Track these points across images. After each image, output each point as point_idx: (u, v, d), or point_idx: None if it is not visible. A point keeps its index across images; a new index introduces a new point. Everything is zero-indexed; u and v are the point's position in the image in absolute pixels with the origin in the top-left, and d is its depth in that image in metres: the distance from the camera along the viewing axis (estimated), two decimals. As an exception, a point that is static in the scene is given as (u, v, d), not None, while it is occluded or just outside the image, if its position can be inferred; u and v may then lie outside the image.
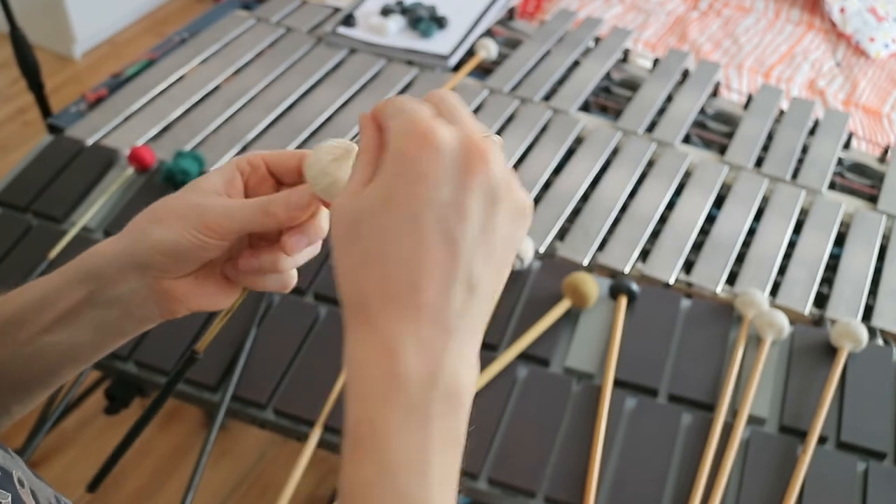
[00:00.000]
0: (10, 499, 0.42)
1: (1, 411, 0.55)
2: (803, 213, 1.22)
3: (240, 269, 0.51)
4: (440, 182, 0.38)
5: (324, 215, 0.50)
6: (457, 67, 1.46)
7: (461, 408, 0.42)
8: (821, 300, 1.10)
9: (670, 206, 1.22)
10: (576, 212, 1.20)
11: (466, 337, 0.40)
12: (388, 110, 0.41)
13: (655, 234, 1.17)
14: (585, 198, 1.22)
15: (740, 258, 1.14)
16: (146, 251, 0.48)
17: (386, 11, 1.53)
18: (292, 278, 0.52)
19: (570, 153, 1.30)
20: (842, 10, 2.14)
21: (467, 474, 0.88)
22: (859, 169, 1.34)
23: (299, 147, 1.28)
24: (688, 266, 1.13)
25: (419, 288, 0.39)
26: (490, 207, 0.39)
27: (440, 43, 1.48)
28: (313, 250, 0.51)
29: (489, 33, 1.56)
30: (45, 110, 1.77)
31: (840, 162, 1.34)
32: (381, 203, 0.39)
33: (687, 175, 1.27)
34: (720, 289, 1.09)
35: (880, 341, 1.05)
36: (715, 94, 1.47)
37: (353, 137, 0.51)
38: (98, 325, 0.51)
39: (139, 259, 0.49)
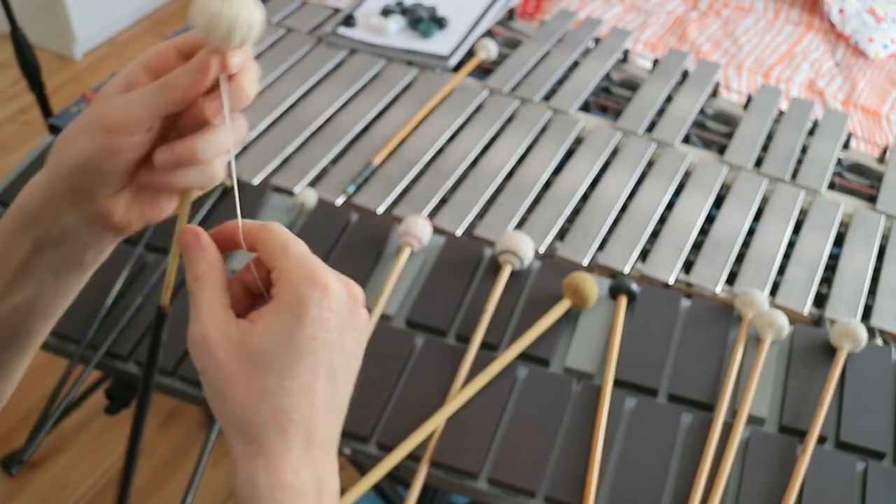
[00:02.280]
0: None
1: None
2: (803, 213, 1.22)
3: (155, 165, 0.46)
4: (333, 327, 0.44)
5: (242, 79, 0.46)
6: (457, 68, 1.47)
7: (336, 500, 0.46)
8: (820, 300, 1.10)
9: (670, 206, 1.22)
10: (576, 212, 1.20)
11: (336, 448, 0.47)
12: (273, 248, 0.45)
13: (655, 234, 1.17)
14: (585, 198, 1.22)
15: (740, 258, 1.14)
16: (65, 177, 0.46)
17: (386, 12, 1.53)
18: (216, 170, 0.48)
19: (570, 153, 1.30)
20: (841, 11, 2.14)
21: (467, 474, 0.88)
22: (858, 169, 1.34)
23: (299, 149, 1.28)
24: (688, 266, 1.13)
25: (312, 421, 0.44)
26: (358, 342, 0.46)
27: (440, 43, 1.48)
28: (235, 132, 0.48)
29: (489, 33, 1.56)
30: (46, 110, 1.77)
31: (839, 162, 1.34)
32: (282, 344, 0.43)
33: (687, 175, 1.27)
34: (720, 289, 1.10)
35: (880, 341, 1.05)
36: (714, 94, 1.47)
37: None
38: (56, 270, 0.49)
39: (65, 188, 0.46)
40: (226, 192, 1.15)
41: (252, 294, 0.48)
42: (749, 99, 1.44)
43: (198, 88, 0.45)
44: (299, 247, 0.45)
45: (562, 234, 1.17)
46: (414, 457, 0.88)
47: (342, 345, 0.45)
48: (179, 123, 0.48)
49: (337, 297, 0.44)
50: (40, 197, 0.47)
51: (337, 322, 0.44)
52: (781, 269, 1.13)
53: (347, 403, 0.47)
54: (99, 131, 0.45)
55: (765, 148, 1.35)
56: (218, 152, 0.47)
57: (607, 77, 1.49)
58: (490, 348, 0.99)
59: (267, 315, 0.43)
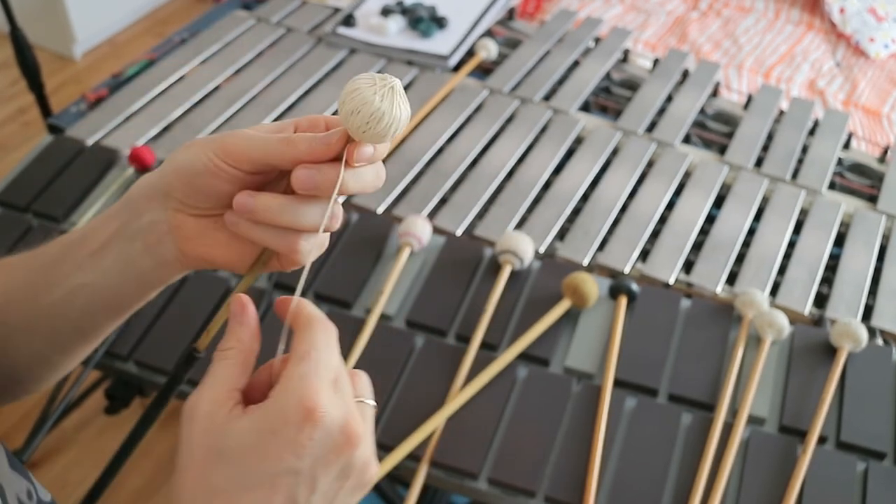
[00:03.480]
0: None
1: (43, 363, 0.56)
2: (803, 213, 1.22)
3: (235, 205, 0.46)
4: (307, 454, 0.41)
5: (351, 175, 0.45)
6: (457, 67, 1.46)
7: None
8: (821, 300, 1.10)
9: (670, 206, 1.22)
10: (576, 212, 1.20)
11: None
12: (297, 347, 0.43)
13: (655, 234, 1.17)
14: (585, 198, 1.22)
15: (740, 258, 1.14)
16: (168, 176, 0.48)
17: (386, 11, 1.53)
18: (294, 244, 0.47)
19: (570, 153, 1.30)
20: (841, 11, 2.14)
21: (467, 474, 0.88)
22: (859, 169, 1.34)
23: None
24: (688, 266, 1.13)
25: None
26: (338, 482, 0.43)
27: (440, 43, 1.48)
28: (326, 219, 0.47)
29: (489, 33, 1.56)
30: (46, 110, 1.77)
31: (840, 162, 1.34)
32: (249, 450, 0.40)
33: (687, 175, 1.27)
34: (720, 289, 1.10)
35: (880, 341, 1.05)
36: (715, 94, 1.47)
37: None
38: (121, 267, 0.50)
39: (162, 186, 0.48)
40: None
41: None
42: (749, 99, 1.44)
43: (313, 157, 0.45)
44: (318, 360, 0.42)
45: (562, 234, 1.17)
46: (414, 457, 0.88)
47: (314, 480, 0.41)
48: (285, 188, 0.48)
49: (325, 428, 0.40)
50: (144, 185, 0.49)
51: (314, 453, 0.41)
52: (782, 269, 1.13)
53: None
54: (213, 149, 0.46)
55: (765, 148, 1.35)
56: (297, 223, 0.46)
57: (607, 77, 1.49)
58: (490, 348, 0.99)
59: (251, 413, 0.41)
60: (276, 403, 0.41)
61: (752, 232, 1.18)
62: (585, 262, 1.12)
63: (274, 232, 0.47)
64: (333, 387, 0.42)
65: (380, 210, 1.16)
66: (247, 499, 0.40)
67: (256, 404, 0.42)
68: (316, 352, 0.42)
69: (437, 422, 0.89)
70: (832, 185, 1.29)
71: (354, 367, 0.92)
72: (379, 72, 0.49)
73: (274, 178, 0.49)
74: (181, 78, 1.40)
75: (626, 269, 1.11)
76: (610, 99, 1.45)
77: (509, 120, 1.36)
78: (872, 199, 1.26)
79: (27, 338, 0.54)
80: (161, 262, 0.51)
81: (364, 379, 0.47)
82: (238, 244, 0.49)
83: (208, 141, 0.47)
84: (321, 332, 0.43)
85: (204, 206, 0.48)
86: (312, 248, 0.48)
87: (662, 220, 1.20)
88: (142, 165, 1.17)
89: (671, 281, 1.10)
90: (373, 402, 0.46)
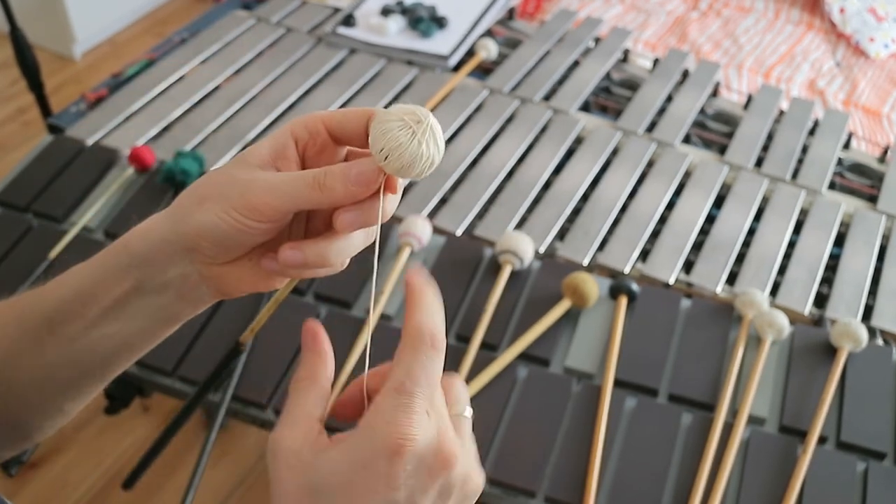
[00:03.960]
0: None
1: (55, 413, 0.52)
2: (803, 213, 1.22)
3: (280, 263, 0.44)
4: (402, 485, 0.39)
5: (389, 199, 0.44)
6: (457, 67, 1.46)
7: None
8: (821, 300, 1.10)
9: (670, 206, 1.22)
10: (576, 212, 1.20)
11: None
12: (396, 369, 0.41)
13: (655, 234, 1.17)
14: (585, 198, 1.22)
15: (740, 258, 1.14)
16: (190, 236, 0.44)
17: (386, 11, 1.53)
18: (342, 265, 0.47)
19: (570, 153, 1.30)
20: (841, 11, 2.14)
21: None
22: (859, 169, 1.34)
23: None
24: (688, 266, 1.13)
25: None
26: (440, 501, 0.41)
27: (440, 43, 1.48)
28: (367, 238, 0.46)
29: (489, 33, 1.56)
30: (45, 110, 1.77)
31: (840, 162, 1.34)
32: (343, 484, 0.39)
33: (687, 175, 1.27)
34: (720, 289, 1.10)
35: (880, 341, 1.05)
36: (715, 94, 1.47)
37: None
38: (150, 313, 0.47)
39: (184, 244, 0.45)
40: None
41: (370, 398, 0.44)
42: (749, 99, 1.44)
43: (354, 200, 0.43)
44: (413, 391, 0.40)
45: (562, 234, 1.17)
46: (414, 457, 0.88)
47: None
48: (311, 215, 0.47)
49: (416, 457, 0.39)
50: (155, 242, 0.45)
51: (409, 483, 0.39)
52: (782, 269, 1.13)
53: None
54: (235, 207, 0.43)
55: (765, 148, 1.35)
56: (348, 256, 0.46)
57: (607, 77, 1.49)
58: (490, 348, 0.99)
59: (339, 445, 0.40)
60: (366, 435, 0.40)
61: (752, 232, 1.18)
62: (585, 262, 1.12)
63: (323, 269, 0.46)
64: (426, 410, 0.41)
65: (380, 210, 1.16)
66: None
67: (345, 434, 0.40)
68: (411, 382, 0.41)
69: (437, 422, 0.89)
70: (832, 185, 1.29)
71: (354, 368, 0.92)
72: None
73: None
74: (181, 78, 1.40)
75: (626, 269, 1.11)
76: (610, 99, 1.45)
77: (509, 120, 1.36)
78: (872, 199, 1.26)
79: (33, 392, 0.50)
80: (196, 303, 0.48)
81: (459, 388, 0.45)
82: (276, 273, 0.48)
83: (227, 196, 0.43)
84: (423, 355, 0.42)
85: (236, 256, 0.46)
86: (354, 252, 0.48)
87: (662, 220, 1.20)
88: (142, 165, 1.17)
89: (671, 281, 1.10)
90: (470, 413, 0.45)
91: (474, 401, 0.93)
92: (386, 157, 0.41)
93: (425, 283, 0.44)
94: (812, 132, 1.39)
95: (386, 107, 0.43)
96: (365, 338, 0.97)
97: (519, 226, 1.17)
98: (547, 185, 1.24)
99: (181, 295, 0.47)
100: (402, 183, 0.45)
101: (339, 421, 0.44)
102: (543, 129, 1.34)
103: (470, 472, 0.42)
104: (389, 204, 0.45)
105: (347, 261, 0.47)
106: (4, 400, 0.49)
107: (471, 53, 1.49)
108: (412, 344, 0.42)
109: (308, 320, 0.45)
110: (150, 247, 0.45)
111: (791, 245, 1.17)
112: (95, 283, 0.46)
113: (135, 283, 0.46)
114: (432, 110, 1.35)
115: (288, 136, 0.45)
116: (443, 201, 1.21)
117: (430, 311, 0.44)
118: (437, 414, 0.41)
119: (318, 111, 0.46)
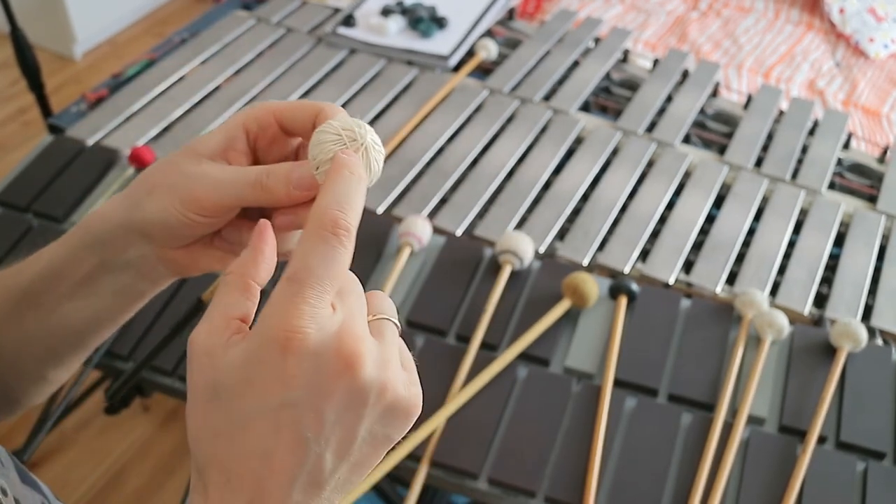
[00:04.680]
0: None
1: (38, 380, 0.55)
2: (803, 213, 1.22)
3: (225, 241, 0.48)
4: (297, 385, 0.36)
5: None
6: (457, 67, 1.46)
7: None
8: (820, 300, 1.10)
9: (670, 206, 1.22)
10: (576, 212, 1.20)
11: None
12: (295, 260, 0.37)
13: (655, 234, 1.17)
14: (585, 198, 1.22)
15: (740, 258, 1.14)
16: (141, 222, 0.46)
17: (386, 11, 1.53)
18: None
19: (570, 153, 1.30)
20: (841, 11, 2.14)
21: (467, 474, 0.88)
22: (859, 169, 1.34)
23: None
24: (688, 266, 1.13)
25: (260, 480, 0.37)
26: (353, 412, 0.37)
27: (440, 43, 1.48)
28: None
29: (489, 33, 1.56)
30: (46, 110, 1.77)
31: (839, 162, 1.34)
32: (240, 383, 0.36)
33: (687, 175, 1.27)
34: (720, 289, 1.10)
35: (880, 341, 1.05)
36: (715, 94, 1.47)
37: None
38: (116, 290, 0.50)
39: (137, 228, 0.47)
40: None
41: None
42: (749, 99, 1.44)
43: (293, 203, 0.44)
44: (307, 280, 0.37)
45: (562, 234, 1.17)
46: (414, 457, 0.88)
47: (318, 412, 0.36)
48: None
49: (308, 352, 0.36)
50: (112, 225, 0.47)
51: (306, 382, 0.36)
52: (782, 269, 1.13)
53: (348, 482, 0.39)
54: (181, 201, 0.44)
55: (765, 148, 1.35)
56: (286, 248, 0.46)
57: (607, 77, 1.49)
58: (490, 348, 0.99)
59: (244, 339, 0.37)
60: (258, 329, 0.37)
61: (751, 232, 1.18)
62: (585, 262, 1.12)
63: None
64: (330, 304, 0.37)
65: (380, 210, 1.16)
66: (248, 438, 0.36)
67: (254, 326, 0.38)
68: (306, 271, 0.37)
69: (437, 422, 0.89)
70: (832, 185, 1.29)
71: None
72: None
73: None
74: (181, 78, 1.40)
75: (626, 269, 1.11)
76: (610, 99, 1.45)
77: (509, 120, 1.36)
78: (872, 199, 1.26)
79: (17, 359, 0.53)
80: (157, 280, 0.51)
81: (382, 297, 0.42)
82: (226, 252, 0.49)
83: (175, 187, 0.44)
84: (323, 243, 0.38)
85: (188, 241, 0.48)
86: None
87: (662, 220, 1.20)
88: (142, 165, 1.17)
89: (671, 281, 1.10)
90: (396, 321, 0.41)
91: (474, 401, 0.93)
92: (317, 168, 0.42)
93: (353, 163, 0.41)
94: (812, 132, 1.39)
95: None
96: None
97: (519, 226, 1.17)
98: (547, 185, 1.24)
99: (142, 274, 0.49)
100: None
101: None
102: (543, 129, 1.34)
103: (389, 382, 0.38)
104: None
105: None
106: None
107: (471, 53, 1.49)
108: (311, 229, 0.38)
109: (261, 220, 0.42)
110: (109, 229, 0.47)
111: (791, 245, 1.17)
112: (64, 260, 0.49)
113: (98, 262, 0.49)
114: (432, 111, 1.35)
115: (239, 128, 0.46)
116: (443, 201, 1.21)
117: (342, 194, 0.39)
118: (346, 310, 0.38)
119: (271, 101, 0.46)
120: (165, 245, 0.48)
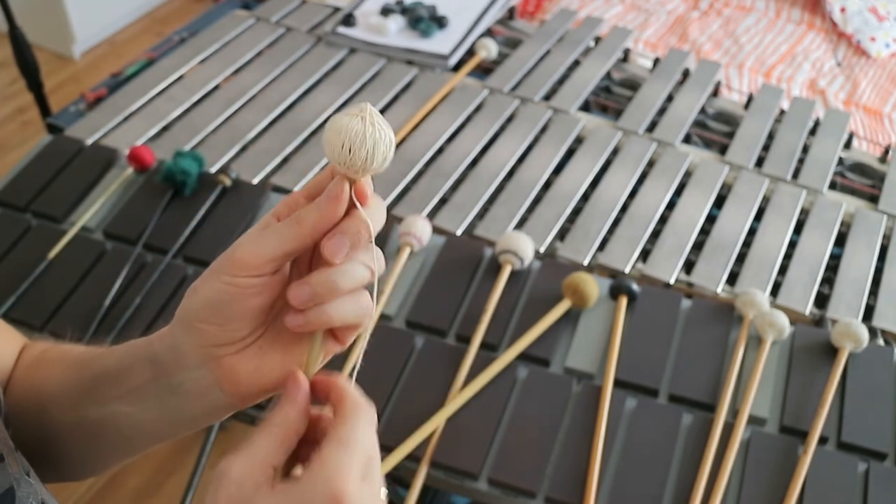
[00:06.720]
0: None
1: (84, 464, 0.59)
2: (804, 213, 1.22)
3: (291, 301, 0.44)
4: None
5: (372, 210, 0.45)
6: (457, 67, 1.46)
7: None
8: (821, 300, 1.10)
9: (670, 206, 1.21)
10: (576, 212, 1.20)
11: None
12: (344, 429, 0.42)
13: (655, 234, 1.17)
14: (585, 198, 1.22)
15: (741, 258, 1.14)
16: (188, 322, 0.45)
17: (386, 11, 1.53)
18: (366, 302, 0.46)
19: (570, 153, 1.30)
20: (842, 10, 2.14)
21: (467, 474, 0.88)
22: (860, 169, 1.34)
23: (298, 148, 1.28)
24: (688, 266, 1.13)
25: None
26: None
27: (440, 43, 1.48)
28: (380, 261, 0.46)
29: (489, 33, 1.56)
30: (45, 110, 1.77)
31: (841, 162, 1.34)
32: None
33: (687, 175, 1.27)
34: (720, 289, 1.09)
35: (881, 341, 1.04)
36: (715, 93, 1.47)
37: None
38: (164, 410, 0.50)
39: (189, 341, 0.46)
40: (224, 191, 1.15)
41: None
42: (750, 98, 1.44)
43: (329, 219, 0.43)
44: (355, 451, 0.41)
45: (562, 234, 1.17)
46: (414, 457, 0.88)
47: None
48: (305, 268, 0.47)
49: None
50: (167, 344, 0.47)
51: None
52: (782, 270, 1.13)
53: None
54: (224, 271, 0.43)
55: (766, 148, 1.34)
56: (358, 278, 0.45)
57: (608, 76, 1.49)
58: (490, 348, 0.99)
59: (279, 492, 0.41)
60: (307, 485, 0.40)
61: (752, 232, 1.18)
62: (585, 262, 1.12)
63: (343, 301, 0.45)
64: (363, 475, 0.42)
65: (380, 210, 1.16)
66: None
67: (288, 484, 0.41)
68: (356, 441, 0.42)
69: (437, 422, 0.89)
70: (833, 185, 1.29)
71: (354, 368, 0.92)
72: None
73: (292, 265, 0.47)
74: (180, 77, 1.40)
75: (627, 269, 1.11)
76: (610, 99, 1.45)
77: (509, 120, 1.36)
78: (873, 199, 1.26)
79: (71, 438, 0.55)
80: (211, 411, 0.49)
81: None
82: (291, 357, 0.47)
83: (215, 269, 0.44)
84: (363, 419, 0.43)
85: (243, 335, 0.45)
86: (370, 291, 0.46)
87: (663, 219, 1.19)
88: (141, 165, 1.17)
89: (671, 281, 1.10)
90: (384, 494, 0.46)
91: (474, 401, 0.92)
92: (350, 151, 0.41)
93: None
94: (813, 132, 1.39)
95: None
96: (363, 338, 0.96)
97: (519, 226, 1.17)
98: (547, 185, 1.24)
99: (193, 399, 0.48)
100: (370, 191, 0.44)
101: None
102: (543, 129, 1.34)
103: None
104: (375, 217, 0.45)
105: (372, 303, 0.46)
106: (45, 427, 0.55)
107: (471, 53, 1.49)
108: (353, 408, 0.43)
109: (296, 371, 0.45)
110: (161, 349, 0.48)
111: (792, 245, 1.16)
112: (128, 366, 0.50)
113: (150, 377, 0.49)
114: (432, 110, 1.35)
115: (271, 215, 0.46)
116: (443, 201, 1.21)
117: (360, 397, 0.45)
118: (373, 484, 0.43)
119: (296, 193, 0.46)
120: (219, 340, 0.45)
